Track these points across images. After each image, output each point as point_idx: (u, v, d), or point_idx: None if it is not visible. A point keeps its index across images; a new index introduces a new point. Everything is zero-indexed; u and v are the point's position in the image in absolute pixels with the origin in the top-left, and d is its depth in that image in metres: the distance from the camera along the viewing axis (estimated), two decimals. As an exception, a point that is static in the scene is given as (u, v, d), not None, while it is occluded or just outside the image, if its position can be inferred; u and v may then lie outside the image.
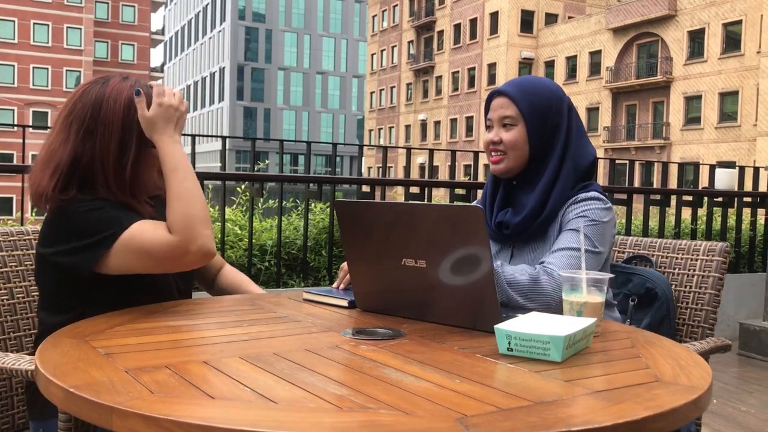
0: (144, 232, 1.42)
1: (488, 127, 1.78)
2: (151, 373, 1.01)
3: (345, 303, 1.57)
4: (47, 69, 48.62)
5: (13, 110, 47.44)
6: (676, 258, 2.13)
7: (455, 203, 1.77)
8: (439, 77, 49.48)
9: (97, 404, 0.89)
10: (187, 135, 3.52)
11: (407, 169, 4.41)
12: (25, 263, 1.84)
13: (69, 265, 1.44)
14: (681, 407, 0.94)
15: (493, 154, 1.76)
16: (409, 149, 4.37)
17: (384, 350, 1.19)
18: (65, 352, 1.13)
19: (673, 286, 2.09)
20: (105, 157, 1.48)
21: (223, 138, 3.95)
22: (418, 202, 1.82)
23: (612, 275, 1.42)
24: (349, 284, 1.67)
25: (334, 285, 1.73)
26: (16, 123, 46.79)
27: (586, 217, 1.67)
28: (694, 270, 2.08)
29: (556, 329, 1.18)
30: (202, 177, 3.83)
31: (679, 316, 2.08)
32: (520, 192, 1.76)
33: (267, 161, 5.56)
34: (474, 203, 1.93)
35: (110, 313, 1.42)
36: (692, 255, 2.09)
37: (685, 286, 2.09)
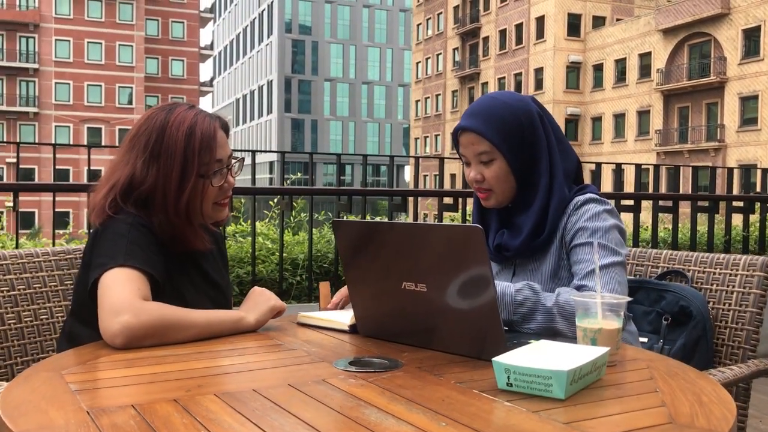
0: (125, 285, 1.36)
1: (466, 164, 1.65)
2: (113, 414, 0.94)
3: (345, 327, 1.48)
4: (101, 86, 50.03)
5: (69, 127, 48.93)
6: (714, 273, 1.98)
7: (454, 223, 1.66)
8: (485, 84, 49.13)
9: (41, 453, 0.82)
10: (243, 150, 3.53)
11: (440, 178, 4.31)
12: (19, 287, 1.81)
13: (85, 277, 1.48)
14: (693, 457, 0.83)
15: (480, 191, 1.64)
16: (441, 159, 4.27)
17: (373, 385, 1.10)
18: (34, 389, 1.07)
19: (711, 304, 1.95)
20: (166, 184, 1.51)
21: (253, 152, 3.91)
22: (417, 222, 1.71)
23: (630, 298, 1.31)
24: (347, 304, 1.59)
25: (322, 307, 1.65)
26: (72, 139, 48.28)
27: (596, 230, 1.56)
28: (734, 286, 1.93)
29: (560, 362, 1.07)
30: (234, 191, 3.79)
31: (718, 336, 1.93)
32: (515, 213, 1.65)
33: (298, 173, 5.52)
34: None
35: (98, 342, 1.37)
36: (731, 270, 1.95)
37: (724, 304, 1.94)
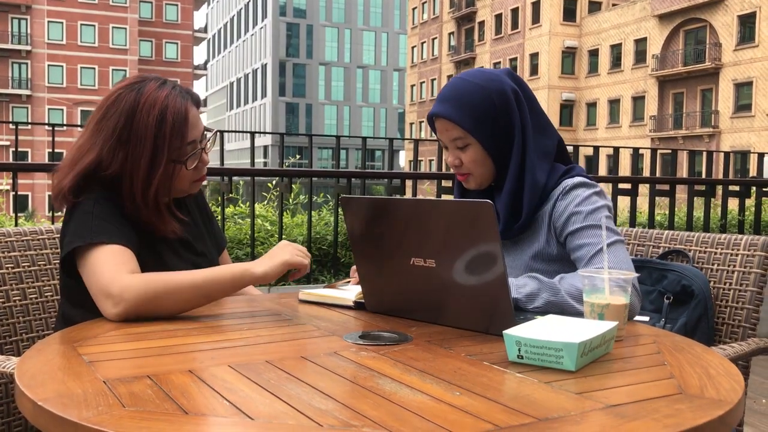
0: (104, 264, 1.35)
1: (445, 147, 1.65)
2: (129, 383, 0.95)
3: (350, 303, 1.49)
4: (94, 69, 49.64)
5: (63, 110, 48.62)
6: (715, 253, 1.99)
7: (464, 199, 1.66)
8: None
9: (62, 419, 0.83)
10: (240, 132, 3.51)
11: (438, 162, 4.32)
12: (23, 264, 1.81)
13: (61, 259, 1.45)
14: (705, 425, 0.84)
15: (459, 175, 1.63)
16: (440, 142, 4.26)
17: (385, 357, 1.11)
18: (48, 360, 1.07)
19: (712, 283, 1.97)
20: (134, 170, 1.45)
21: (252, 134, 3.90)
22: (427, 198, 1.71)
23: (637, 275, 1.32)
24: (347, 281, 1.60)
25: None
26: (65, 122, 48.00)
27: (590, 212, 1.54)
28: (735, 266, 1.95)
29: (570, 335, 1.08)
30: (232, 173, 3.80)
31: (719, 315, 1.95)
32: (495, 194, 1.63)
33: (297, 156, 5.53)
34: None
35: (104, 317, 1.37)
36: (732, 250, 1.96)
37: (725, 283, 1.95)
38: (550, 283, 1.46)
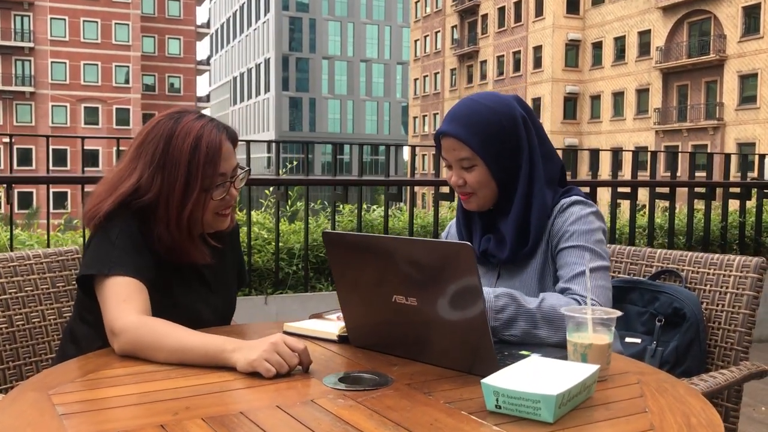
0: (114, 298, 1.40)
1: (447, 167, 1.64)
2: (99, 443, 0.94)
3: (334, 337, 1.48)
4: (97, 65, 49.67)
5: (66, 106, 48.67)
6: (708, 273, 1.97)
7: (445, 240, 1.64)
8: (484, 62, 48.83)
9: (25, 490, 0.82)
10: (242, 141, 3.49)
11: (437, 163, 4.29)
12: (10, 291, 1.82)
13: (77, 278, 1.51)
14: (679, 491, 0.83)
15: (461, 194, 1.63)
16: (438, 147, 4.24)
17: (362, 406, 1.09)
18: (20, 414, 1.06)
19: (704, 304, 1.95)
20: (170, 195, 1.49)
21: (248, 143, 3.88)
22: (408, 237, 1.70)
23: (620, 313, 1.30)
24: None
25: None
26: (69, 119, 48.09)
27: (583, 233, 1.55)
28: (727, 287, 1.93)
29: (549, 384, 1.06)
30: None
31: (711, 336, 1.93)
32: (498, 217, 1.63)
33: (294, 162, 5.51)
34: (450, 225, 1.81)
35: (86, 355, 1.36)
36: (725, 270, 1.94)
37: (717, 305, 1.94)
38: (528, 311, 1.44)
